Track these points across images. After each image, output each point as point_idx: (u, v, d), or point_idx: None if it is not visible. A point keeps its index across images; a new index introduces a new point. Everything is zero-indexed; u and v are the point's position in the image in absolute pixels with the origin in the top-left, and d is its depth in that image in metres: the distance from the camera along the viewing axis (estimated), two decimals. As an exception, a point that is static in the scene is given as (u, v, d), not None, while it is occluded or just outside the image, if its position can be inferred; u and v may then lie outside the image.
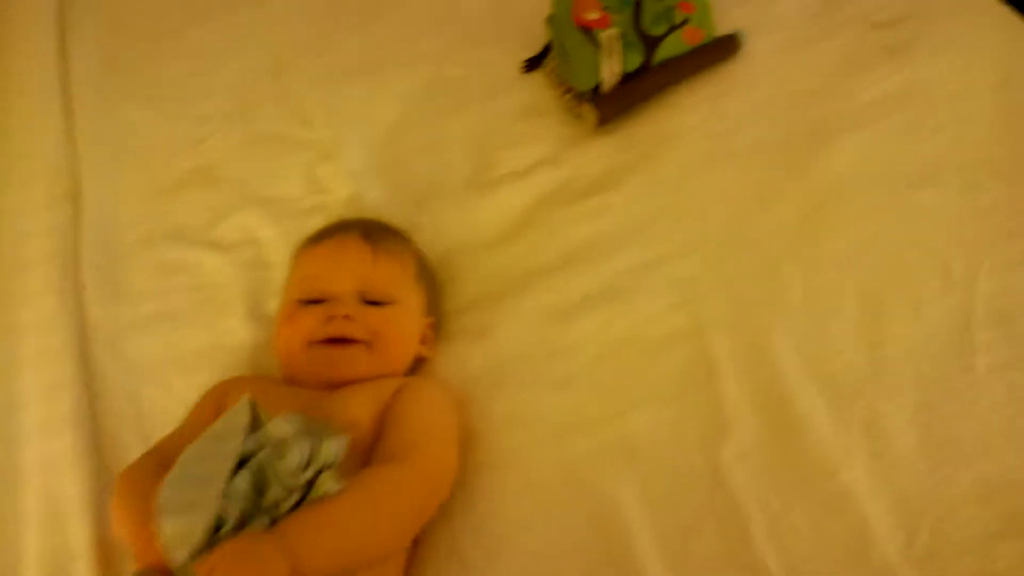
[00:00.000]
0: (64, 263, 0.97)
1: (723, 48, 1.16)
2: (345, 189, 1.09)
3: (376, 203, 1.06)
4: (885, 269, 0.90)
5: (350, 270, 0.88)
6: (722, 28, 1.16)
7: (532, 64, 1.21)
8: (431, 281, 0.95)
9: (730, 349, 0.86)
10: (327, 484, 0.66)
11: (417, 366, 0.92)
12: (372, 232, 0.92)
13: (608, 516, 0.77)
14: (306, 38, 1.26)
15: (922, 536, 0.72)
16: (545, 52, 1.20)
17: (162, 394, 0.94)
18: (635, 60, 1.11)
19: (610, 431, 0.83)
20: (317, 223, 1.02)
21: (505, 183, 1.07)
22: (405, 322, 0.89)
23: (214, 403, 0.84)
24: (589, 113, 1.09)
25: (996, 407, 0.79)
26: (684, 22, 1.14)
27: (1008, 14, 1.18)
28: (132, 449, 0.88)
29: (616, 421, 0.83)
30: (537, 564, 0.75)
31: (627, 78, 1.11)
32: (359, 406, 0.80)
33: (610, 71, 1.10)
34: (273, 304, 0.98)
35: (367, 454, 0.77)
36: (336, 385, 0.83)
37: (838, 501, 0.75)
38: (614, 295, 0.93)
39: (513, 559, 0.75)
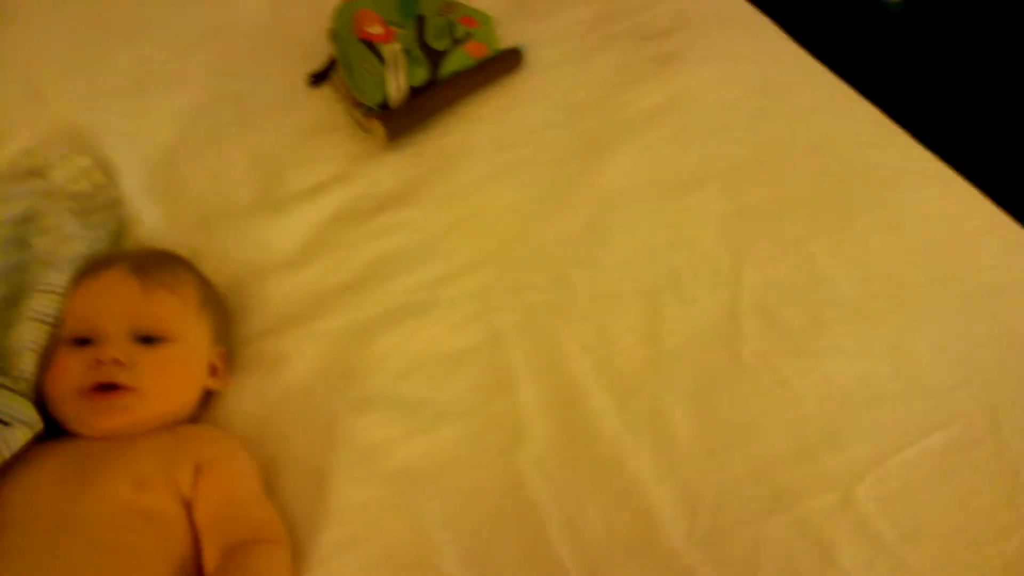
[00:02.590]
0: None
1: (507, 61, 1.20)
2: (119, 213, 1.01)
3: (156, 228, 0.99)
4: (661, 269, 0.97)
5: (119, 307, 0.81)
6: (505, 42, 1.20)
7: (318, 78, 1.19)
8: (218, 308, 0.90)
9: (525, 356, 0.89)
10: None
11: (207, 400, 0.87)
12: (143, 264, 0.85)
13: (413, 537, 0.76)
14: (66, 59, 1.16)
15: (702, 518, 0.77)
16: (330, 66, 1.18)
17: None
18: (421, 74, 1.12)
19: (413, 449, 0.82)
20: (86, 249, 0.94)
21: (295, 203, 1.03)
22: (185, 359, 0.83)
23: None
24: (378, 129, 1.09)
25: (761, 391, 0.86)
26: (467, 36, 1.16)
27: (767, 23, 1.30)
28: None
29: (419, 438, 0.83)
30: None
31: (415, 93, 1.12)
32: (148, 463, 0.75)
33: (396, 86, 1.10)
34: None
35: (158, 518, 0.73)
36: (116, 435, 0.77)
37: (627, 493, 0.79)
38: (412, 311, 0.93)
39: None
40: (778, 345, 0.89)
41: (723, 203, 1.03)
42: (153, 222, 1.00)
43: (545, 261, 0.98)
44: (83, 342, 0.80)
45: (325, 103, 1.16)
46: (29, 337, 0.80)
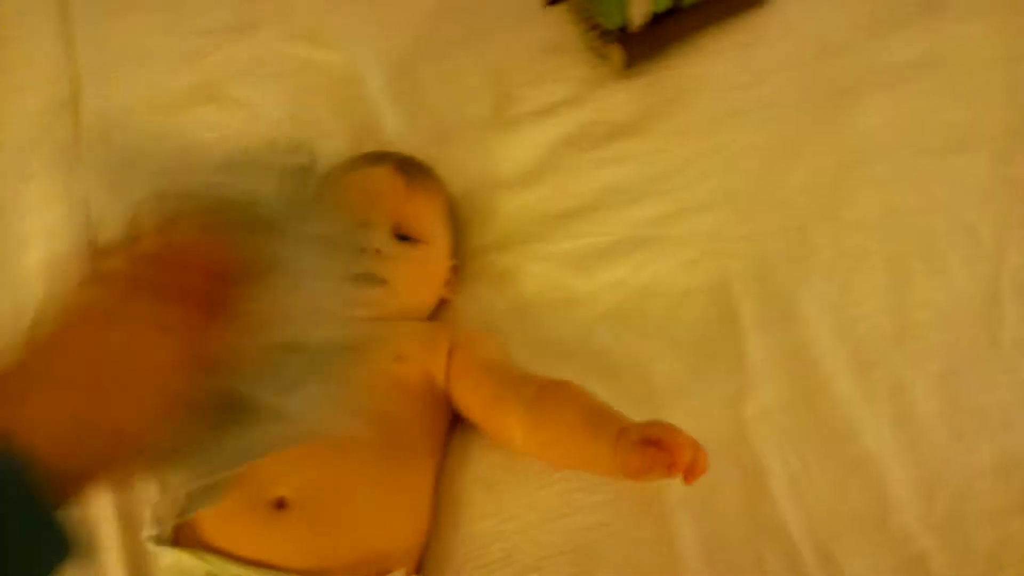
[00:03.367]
0: (67, 173, 0.91)
1: (754, -7, 1.13)
2: (359, 116, 1.04)
3: (394, 134, 1.02)
4: (912, 234, 0.90)
5: (385, 201, 0.84)
6: (752, -27, 1.13)
7: (556, -3, 1.16)
8: (456, 223, 0.92)
9: (756, 305, 0.85)
10: None
11: (439, 309, 0.90)
12: (406, 166, 0.88)
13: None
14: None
15: (941, 504, 0.73)
16: (570, -16, 1.15)
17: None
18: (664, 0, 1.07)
19: (633, 381, 0.81)
20: (331, 148, 0.97)
21: (526, 122, 1.03)
22: (434, 263, 0.86)
23: None
24: (616, 54, 1.06)
25: (1019, 380, 0.79)
26: (716, -37, 1.10)
27: (1045, -24, 1.16)
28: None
29: (638, 372, 0.82)
30: (561, 512, 0.74)
31: (656, 19, 1.08)
32: (406, 341, 0.79)
33: (639, 9, 1.06)
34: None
35: (413, 391, 0.77)
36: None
37: (860, 464, 0.75)
38: (638, 244, 0.91)
39: (538, 501, 0.75)
40: (1043, 335, 0.81)
41: (989, 171, 0.94)
42: (393, 128, 1.02)
43: (784, 210, 0.93)
44: None
45: (561, 23, 1.14)
46: None
